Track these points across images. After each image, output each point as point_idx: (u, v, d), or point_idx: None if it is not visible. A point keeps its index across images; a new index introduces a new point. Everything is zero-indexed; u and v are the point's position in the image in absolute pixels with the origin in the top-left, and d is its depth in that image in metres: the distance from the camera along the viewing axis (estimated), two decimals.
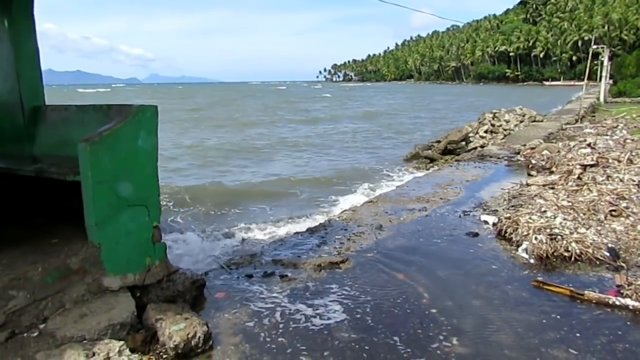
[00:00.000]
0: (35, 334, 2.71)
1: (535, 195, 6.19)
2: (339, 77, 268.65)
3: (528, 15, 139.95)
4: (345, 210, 6.81)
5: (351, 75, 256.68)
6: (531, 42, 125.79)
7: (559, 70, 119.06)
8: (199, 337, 2.90)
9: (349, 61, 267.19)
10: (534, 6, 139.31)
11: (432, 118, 32.73)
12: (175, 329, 2.87)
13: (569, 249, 4.43)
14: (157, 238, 3.44)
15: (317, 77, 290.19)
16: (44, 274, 2.84)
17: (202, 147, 19.11)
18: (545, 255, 4.40)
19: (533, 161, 9.13)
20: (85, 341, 2.66)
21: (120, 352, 2.56)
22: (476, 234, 5.17)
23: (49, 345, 2.62)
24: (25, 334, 2.70)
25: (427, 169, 12.27)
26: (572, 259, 4.37)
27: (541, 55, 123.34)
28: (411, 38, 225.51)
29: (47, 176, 3.35)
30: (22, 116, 4.02)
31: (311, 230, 5.59)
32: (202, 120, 31.36)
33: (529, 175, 8.19)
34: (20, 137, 4.07)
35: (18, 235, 3.32)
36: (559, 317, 3.38)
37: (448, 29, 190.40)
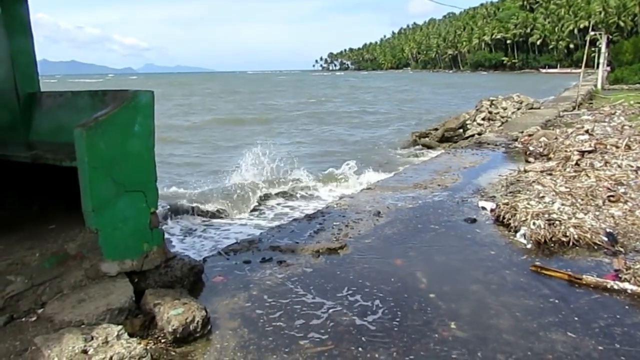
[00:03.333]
0: (34, 319, 2.71)
1: (533, 182, 6.19)
2: (335, 65, 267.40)
3: (525, 2, 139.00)
4: (343, 197, 6.80)
5: (348, 64, 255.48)
6: (528, 29, 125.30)
7: (556, 58, 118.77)
8: (198, 321, 2.90)
9: (345, 50, 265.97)
10: None
11: None
12: (173, 313, 2.87)
13: (567, 234, 4.44)
14: (154, 224, 3.43)
15: (314, 65, 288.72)
16: (41, 259, 2.83)
17: None
18: (543, 240, 4.41)
19: (531, 148, 9.13)
20: (83, 326, 2.66)
21: (118, 337, 2.55)
22: (474, 220, 5.17)
23: (47, 329, 2.61)
24: (23, 319, 2.71)
25: (425, 156, 12.26)
26: (570, 244, 4.38)
27: (538, 43, 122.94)
28: (408, 26, 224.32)
29: (43, 162, 3.32)
30: (17, 103, 3.97)
31: (309, 217, 5.58)
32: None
33: (527, 161, 8.19)
34: (16, 124, 4.03)
35: (15, 221, 3.30)
36: (557, 301, 3.39)
37: (445, 16, 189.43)
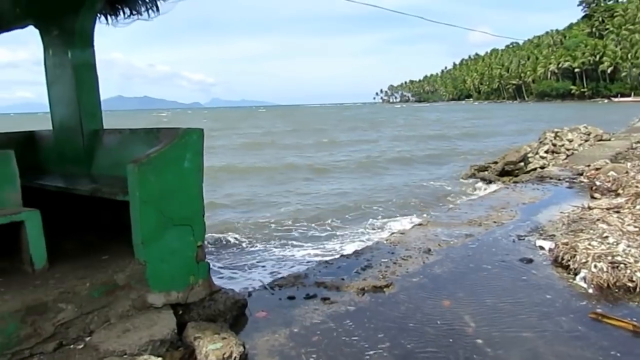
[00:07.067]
0: (81, 346, 2.82)
1: (598, 220, 5.80)
2: (395, 98, 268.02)
3: (594, 29, 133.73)
4: (393, 233, 6.69)
5: (408, 96, 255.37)
6: (597, 56, 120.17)
7: (629, 86, 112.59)
8: (235, 357, 2.90)
9: (405, 82, 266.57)
10: (600, 19, 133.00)
11: None
12: (212, 348, 2.90)
13: (634, 278, 4.09)
14: (201, 257, 3.52)
15: (374, 98, 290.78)
16: (91, 289, 2.96)
17: None
18: (606, 285, 4.09)
19: (597, 183, 8.59)
20: (125, 356, 2.74)
21: None
22: (530, 260, 4.90)
23: (92, 357, 2.71)
24: (71, 346, 2.82)
25: (483, 191, 11.87)
26: (637, 290, 4.03)
27: (609, 71, 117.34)
28: (469, 57, 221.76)
29: (100, 196, 3.53)
30: (81, 139, 4.28)
31: (357, 253, 5.52)
32: None
33: (592, 197, 7.71)
34: (80, 159, 4.33)
35: (72, 251, 3.49)
36: (619, 354, 3.10)
37: (507, 46, 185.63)
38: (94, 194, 3.59)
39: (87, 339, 2.88)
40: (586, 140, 15.99)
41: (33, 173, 4.28)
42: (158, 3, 4.65)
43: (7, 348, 2.56)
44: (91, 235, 3.98)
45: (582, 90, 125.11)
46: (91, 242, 3.79)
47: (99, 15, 4.47)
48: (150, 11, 4.68)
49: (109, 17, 4.85)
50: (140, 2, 4.64)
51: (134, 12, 4.74)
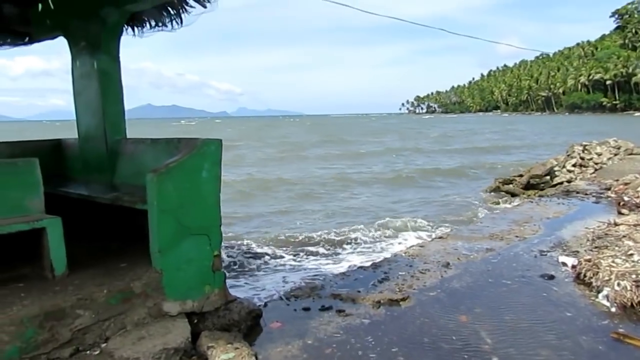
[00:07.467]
0: (97, 352, 2.88)
1: (624, 236, 5.63)
2: (422, 109, 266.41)
3: (627, 41, 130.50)
4: (412, 246, 6.63)
5: (434, 107, 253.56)
6: (631, 68, 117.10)
7: None
8: None
9: (432, 93, 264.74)
10: (634, 31, 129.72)
11: None
12: (224, 357, 2.92)
13: None
14: (217, 266, 3.55)
15: (400, 109, 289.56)
16: (108, 296, 3.02)
17: None
18: (629, 304, 3.96)
19: (625, 198, 8.33)
20: None
21: None
22: (552, 277, 4.79)
23: None
24: (88, 352, 2.88)
25: (507, 204, 11.65)
26: None
27: None
28: (497, 68, 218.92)
29: (120, 204, 3.61)
30: (105, 148, 4.40)
31: (375, 265, 5.50)
32: None
33: (620, 213, 7.49)
34: (103, 167, 4.44)
35: (92, 258, 3.57)
36: None
37: (537, 57, 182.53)
38: (115, 203, 3.67)
39: (103, 345, 2.94)
40: (616, 154, 15.55)
41: (58, 180, 4.42)
42: (182, 15, 4.76)
43: (24, 352, 2.63)
44: (111, 242, 4.07)
45: (614, 102, 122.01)
46: (111, 249, 3.87)
47: (124, 27, 4.61)
48: (174, 22, 4.80)
49: (135, 28, 5.00)
50: (165, 14, 4.76)
51: (159, 24, 4.88)
